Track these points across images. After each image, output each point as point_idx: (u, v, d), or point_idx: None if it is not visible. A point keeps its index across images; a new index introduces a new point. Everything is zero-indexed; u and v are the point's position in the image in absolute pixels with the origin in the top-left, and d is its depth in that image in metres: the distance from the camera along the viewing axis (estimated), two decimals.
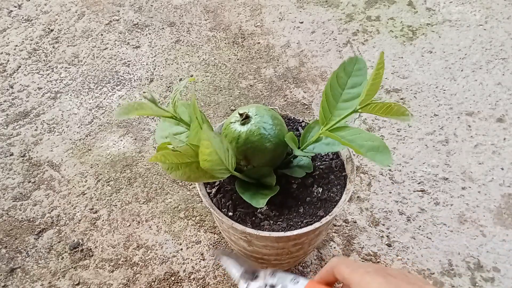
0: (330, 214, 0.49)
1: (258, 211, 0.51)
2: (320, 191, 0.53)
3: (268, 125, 0.48)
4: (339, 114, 0.45)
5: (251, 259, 0.57)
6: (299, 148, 0.51)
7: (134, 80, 0.94)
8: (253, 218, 0.51)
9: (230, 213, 0.51)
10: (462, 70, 0.93)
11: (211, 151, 0.40)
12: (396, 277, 0.33)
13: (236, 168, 0.47)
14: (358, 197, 0.73)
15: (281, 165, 0.53)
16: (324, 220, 0.48)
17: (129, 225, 0.71)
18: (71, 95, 0.92)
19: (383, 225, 0.69)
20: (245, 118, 0.48)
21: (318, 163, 0.56)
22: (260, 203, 0.47)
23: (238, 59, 0.98)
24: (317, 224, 0.48)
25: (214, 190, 0.53)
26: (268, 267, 0.60)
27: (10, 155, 0.81)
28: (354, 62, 0.46)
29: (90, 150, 0.82)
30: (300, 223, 0.50)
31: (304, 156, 0.54)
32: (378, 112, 0.41)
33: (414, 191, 0.74)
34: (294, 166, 0.53)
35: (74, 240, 0.69)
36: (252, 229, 0.48)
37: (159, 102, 0.44)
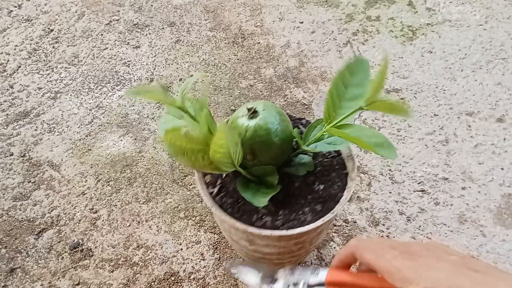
0: (331, 212, 0.49)
1: (259, 210, 0.51)
2: (322, 188, 0.53)
3: (275, 120, 0.48)
4: (342, 113, 0.46)
5: (252, 259, 0.57)
6: None
7: (134, 80, 0.94)
8: (254, 217, 0.50)
9: (231, 213, 0.51)
10: (462, 70, 0.93)
11: (223, 143, 0.40)
12: (422, 255, 0.33)
13: (240, 164, 0.47)
14: (358, 197, 0.73)
15: (283, 164, 0.53)
16: (326, 218, 0.48)
17: (129, 225, 0.71)
18: (71, 95, 0.92)
19: (383, 225, 0.69)
20: (253, 113, 0.48)
21: (321, 159, 0.56)
22: (262, 202, 0.47)
23: (238, 59, 0.98)
24: (319, 222, 0.48)
25: (215, 190, 0.53)
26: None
27: (10, 155, 0.81)
28: (358, 62, 0.46)
29: (90, 150, 0.82)
30: (301, 221, 0.50)
31: (307, 153, 0.54)
32: (383, 110, 0.41)
33: (414, 191, 0.74)
34: (296, 165, 0.54)
35: (74, 240, 0.69)
36: (254, 228, 0.48)
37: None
